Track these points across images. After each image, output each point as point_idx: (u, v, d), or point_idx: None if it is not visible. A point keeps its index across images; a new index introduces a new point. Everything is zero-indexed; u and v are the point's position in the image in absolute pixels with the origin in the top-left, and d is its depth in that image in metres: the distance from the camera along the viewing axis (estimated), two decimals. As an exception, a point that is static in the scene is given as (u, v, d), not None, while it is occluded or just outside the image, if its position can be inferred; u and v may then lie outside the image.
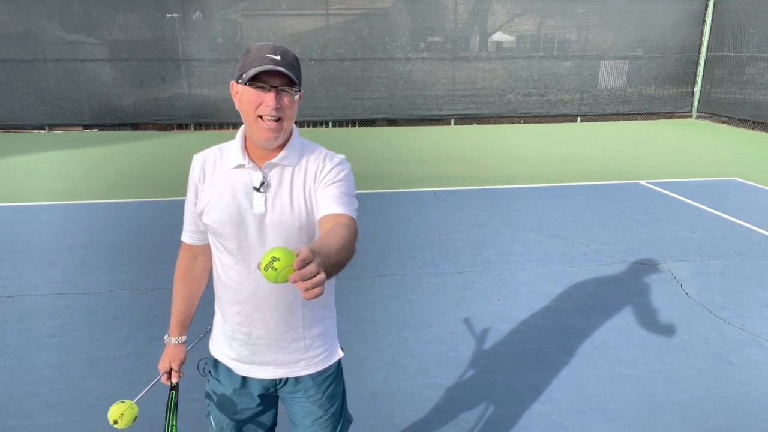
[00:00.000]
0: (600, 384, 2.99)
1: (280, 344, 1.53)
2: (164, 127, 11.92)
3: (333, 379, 1.63)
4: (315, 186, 1.43)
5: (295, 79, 1.35)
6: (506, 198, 6.53)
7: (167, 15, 11.32)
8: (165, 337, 1.74)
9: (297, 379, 1.58)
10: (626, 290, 4.10)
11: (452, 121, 12.56)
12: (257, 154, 1.45)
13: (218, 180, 1.47)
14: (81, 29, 11.26)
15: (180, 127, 11.98)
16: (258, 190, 1.42)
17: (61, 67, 11.20)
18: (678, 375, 3.06)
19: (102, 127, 11.69)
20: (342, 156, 1.50)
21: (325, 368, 1.60)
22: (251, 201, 1.43)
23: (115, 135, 11.22)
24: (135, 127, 11.82)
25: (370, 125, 12.41)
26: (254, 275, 1.46)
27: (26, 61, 11.07)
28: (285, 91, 1.36)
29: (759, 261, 4.61)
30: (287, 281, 0.99)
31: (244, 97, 1.37)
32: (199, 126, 12.03)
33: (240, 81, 1.38)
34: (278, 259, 0.99)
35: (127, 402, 1.59)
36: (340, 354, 1.65)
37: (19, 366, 3.15)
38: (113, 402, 2.69)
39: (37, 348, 3.34)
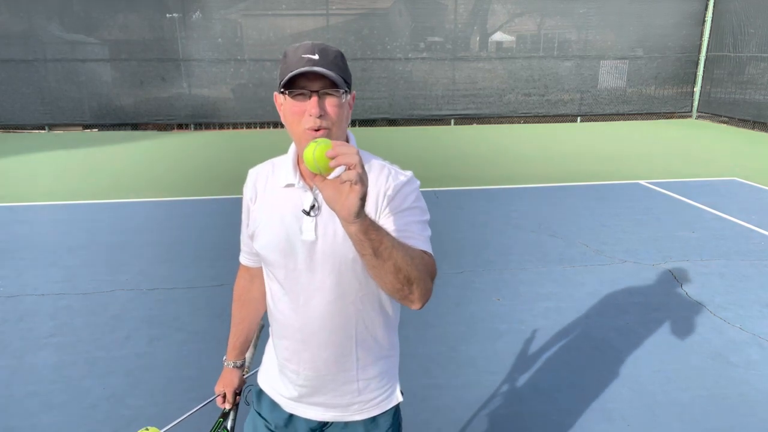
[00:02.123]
0: (600, 384, 2.99)
1: (330, 386, 1.36)
2: (164, 127, 11.92)
3: (387, 427, 1.44)
4: (376, 214, 1.22)
5: (337, 78, 1.16)
6: (506, 198, 6.52)
7: (167, 15, 11.32)
8: (223, 358, 1.64)
9: (346, 424, 1.41)
10: (626, 290, 4.10)
11: (452, 121, 12.57)
12: (310, 172, 1.26)
13: (268, 200, 1.32)
14: (81, 29, 11.26)
15: (180, 127, 11.98)
16: (308, 213, 1.23)
17: (61, 67, 11.20)
18: (678, 375, 3.06)
19: (102, 127, 11.69)
20: (409, 173, 1.30)
21: (380, 414, 1.43)
22: (300, 226, 1.25)
23: (115, 135, 11.22)
24: (135, 127, 11.82)
25: (370, 125, 12.41)
26: (302, 309, 1.30)
27: (26, 61, 11.07)
28: (329, 94, 1.18)
29: (759, 261, 4.61)
30: (325, 155, 0.94)
31: (287, 109, 1.20)
32: (199, 126, 12.03)
33: (280, 91, 1.21)
34: (318, 142, 0.97)
35: (153, 429, 1.50)
36: (399, 398, 1.47)
37: (19, 366, 3.15)
38: (113, 402, 2.69)
39: (37, 348, 3.34)
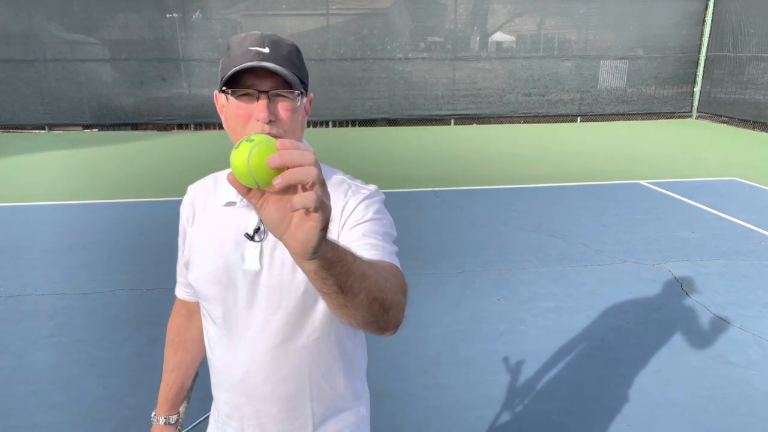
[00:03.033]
0: (600, 384, 2.99)
1: None
2: (164, 127, 11.92)
3: None
4: (335, 236, 1.02)
5: (291, 77, 0.96)
6: (506, 198, 6.52)
7: (167, 15, 11.32)
8: (152, 414, 1.38)
9: None
10: (626, 290, 4.10)
11: (452, 121, 12.56)
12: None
13: (207, 222, 1.11)
14: (81, 29, 11.26)
15: (180, 127, 11.98)
16: (252, 238, 1.03)
17: (61, 67, 11.20)
18: (678, 375, 3.06)
19: (102, 127, 11.69)
20: (373, 187, 1.11)
21: None
22: (243, 253, 1.04)
23: (115, 135, 11.22)
24: (135, 127, 11.82)
25: (370, 125, 12.41)
26: (244, 355, 1.08)
27: (26, 61, 11.07)
28: (281, 95, 0.98)
29: (759, 261, 4.61)
30: (267, 164, 0.61)
31: (229, 112, 0.99)
32: (199, 126, 12.03)
33: (221, 89, 0.99)
34: (254, 141, 0.64)
35: None
36: None
37: (19, 366, 3.15)
38: (113, 402, 2.70)
39: (37, 348, 3.34)
